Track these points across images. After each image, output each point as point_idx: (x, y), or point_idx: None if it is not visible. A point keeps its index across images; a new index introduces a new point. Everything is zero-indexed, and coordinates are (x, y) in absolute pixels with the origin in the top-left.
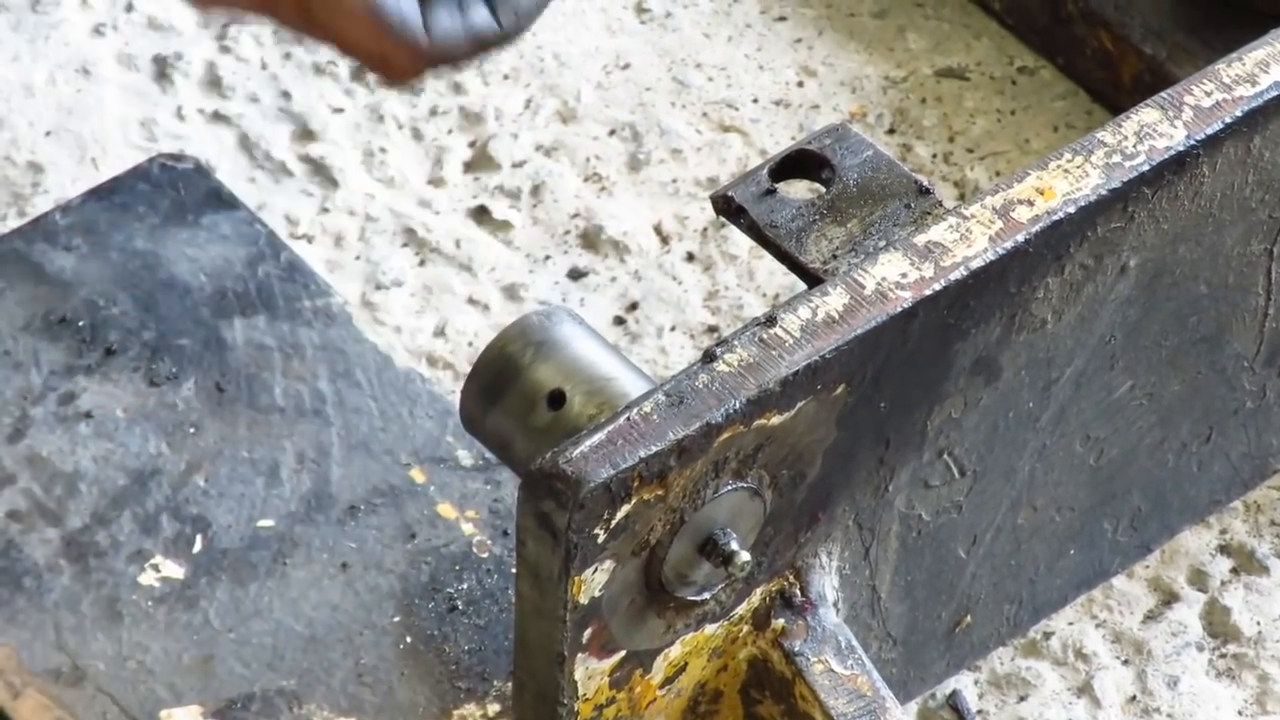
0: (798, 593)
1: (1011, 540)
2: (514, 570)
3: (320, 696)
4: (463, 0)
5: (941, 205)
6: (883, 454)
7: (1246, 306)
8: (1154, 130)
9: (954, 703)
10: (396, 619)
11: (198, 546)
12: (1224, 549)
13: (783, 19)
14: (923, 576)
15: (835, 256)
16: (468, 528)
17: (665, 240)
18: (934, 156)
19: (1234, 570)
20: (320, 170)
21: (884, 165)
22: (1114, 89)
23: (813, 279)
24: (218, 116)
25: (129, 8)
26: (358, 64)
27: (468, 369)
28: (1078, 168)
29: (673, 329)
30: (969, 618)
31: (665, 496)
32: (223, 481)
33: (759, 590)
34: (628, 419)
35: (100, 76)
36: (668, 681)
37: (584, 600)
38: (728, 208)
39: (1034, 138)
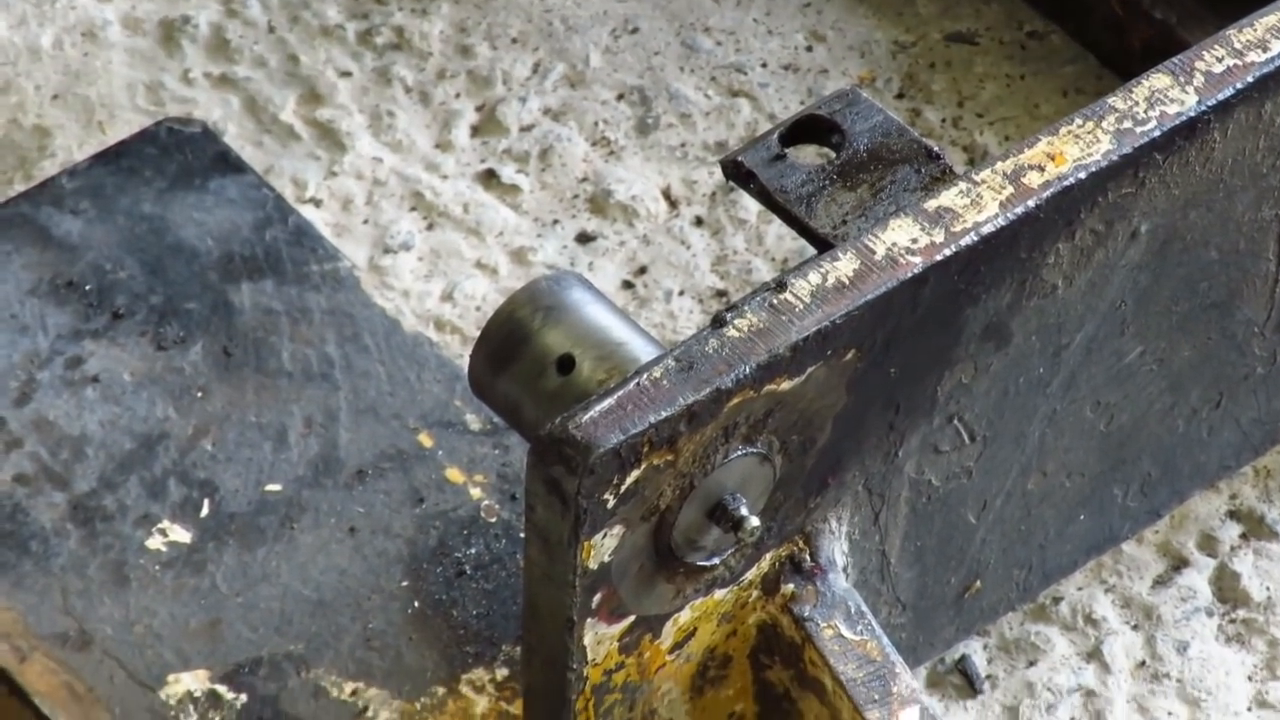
0: (807, 558)
1: (1021, 506)
2: (522, 535)
3: (328, 661)
4: None
5: (952, 170)
6: (893, 419)
7: (1257, 272)
8: (1165, 96)
9: (963, 667)
10: (404, 584)
11: (205, 511)
12: (1234, 514)
13: None
14: (932, 542)
15: (845, 222)
16: (476, 492)
17: (674, 204)
18: (943, 121)
19: (1243, 536)
20: (328, 134)
21: (894, 130)
22: (1124, 54)
23: (823, 244)
24: (225, 80)
25: None
26: None
27: (476, 333)
28: (1089, 133)
29: (681, 293)
30: (978, 583)
31: (675, 462)
32: (230, 446)
33: (768, 555)
34: (637, 384)
35: (107, 40)
36: (677, 647)
37: (593, 565)
38: (737, 173)
39: (1043, 103)
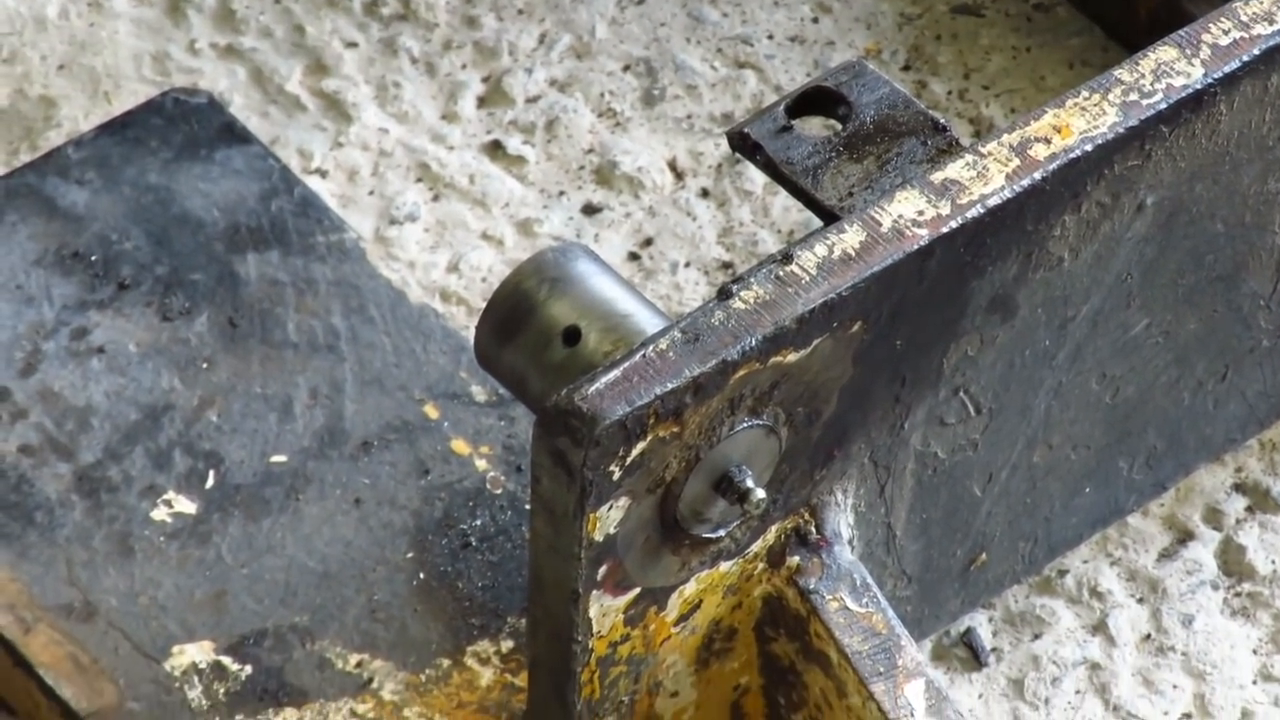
0: (813, 530)
1: (1027, 478)
2: (528, 506)
3: (333, 633)
4: None
5: (958, 143)
6: (899, 392)
7: (1263, 245)
8: (1171, 68)
9: (968, 640)
10: (410, 555)
11: (210, 482)
12: (1239, 487)
13: None
14: (938, 514)
15: (851, 194)
16: (481, 464)
17: (680, 176)
18: (949, 93)
19: (1249, 509)
20: (334, 105)
21: (900, 102)
22: (1130, 26)
23: (829, 216)
24: (231, 50)
25: None
26: None
27: (481, 305)
28: (1095, 105)
29: (687, 265)
30: (984, 555)
31: (681, 434)
32: (235, 417)
33: (774, 528)
34: (643, 356)
35: (113, 10)
36: (682, 619)
37: (599, 537)
38: (744, 144)
39: (1049, 74)
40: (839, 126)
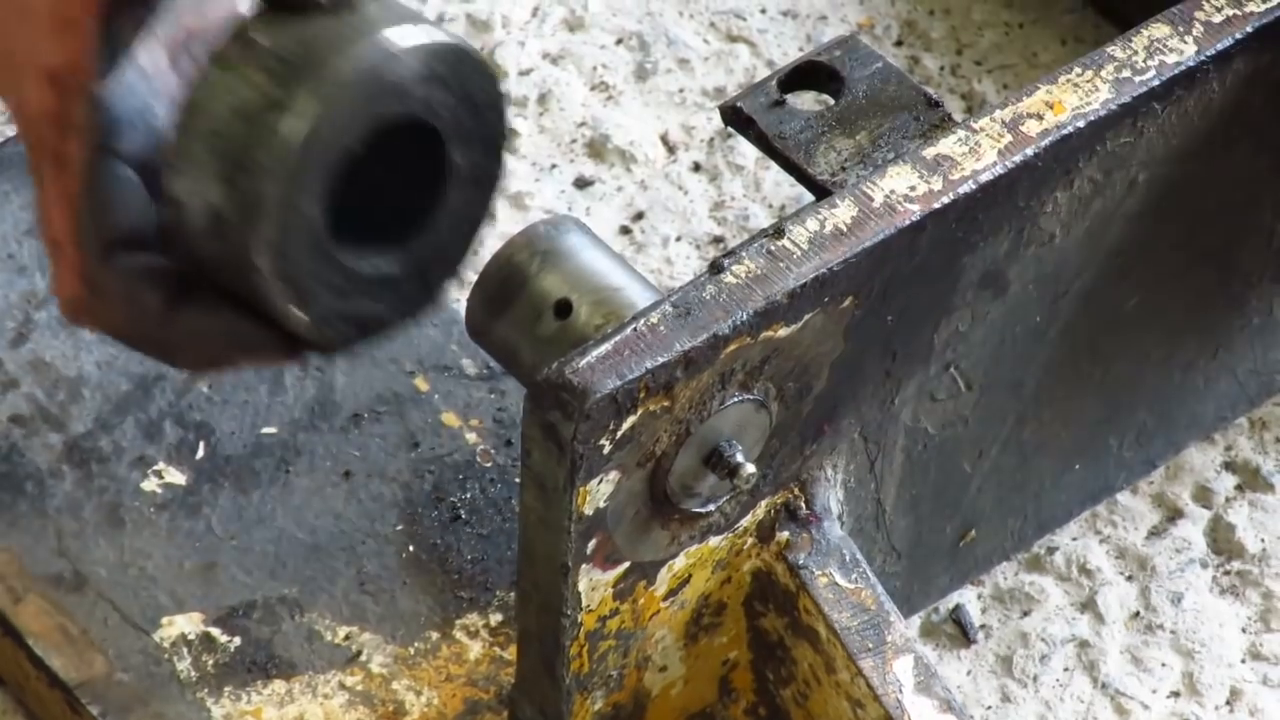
0: (803, 506)
1: (1017, 455)
2: (518, 480)
3: (322, 605)
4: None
5: (950, 118)
6: (889, 367)
7: (1255, 223)
8: (1164, 45)
9: (957, 617)
10: (399, 528)
11: (200, 453)
12: (1229, 465)
13: None
14: (928, 490)
15: (844, 168)
16: (471, 437)
17: (671, 150)
18: (941, 69)
19: (1239, 487)
20: None
21: (893, 77)
22: (1122, 3)
23: (821, 191)
24: None
25: None
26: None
27: (473, 277)
28: (1087, 82)
29: (678, 239)
30: (973, 532)
31: (671, 408)
32: (226, 388)
33: (764, 503)
34: (634, 330)
35: None
36: (671, 593)
37: (589, 511)
38: (736, 118)
39: (1042, 51)
40: (831, 101)
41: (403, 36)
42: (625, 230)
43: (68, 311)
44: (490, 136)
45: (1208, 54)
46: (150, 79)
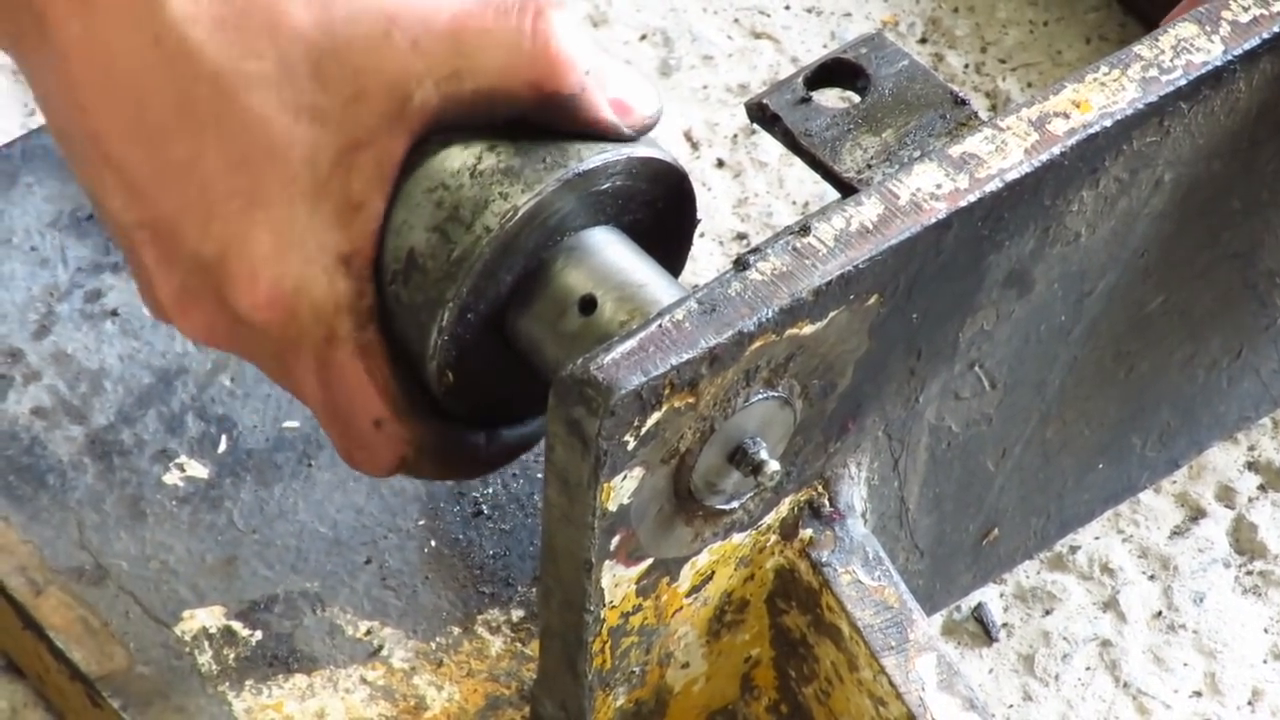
0: (826, 503)
1: (1040, 454)
2: (540, 475)
3: (344, 599)
4: None
5: (977, 116)
6: (914, 365)
7: (1279, 224)
8: (1191, 45)
9: (979, 615)
10: (421, 523)
11: (222, 446)
12: (1252, 465)
13: None
14: (951, 489)
15: (870, 166)
16: None
17: (695, 146)
18: (966, 67)
19: (1261, 487)
20: None
21: (919, 75)
22: (1148, 2)
23: (846, 188)
24: None
25: None
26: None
27: None
28: (1114, 81)
29: (701, 235)
30: (996, 530)
31: (696, 404)
32: (249, 381)
33: (787, 500)
34: (659, 326)
35: None
36: (694, 590)
37: (612, 507)
38: (762, 115)
39: (1066, 49)
40: (857, 99)
41: None
42: None
43: (386, 474)
44: None
45: (1235, 54)
46: None
